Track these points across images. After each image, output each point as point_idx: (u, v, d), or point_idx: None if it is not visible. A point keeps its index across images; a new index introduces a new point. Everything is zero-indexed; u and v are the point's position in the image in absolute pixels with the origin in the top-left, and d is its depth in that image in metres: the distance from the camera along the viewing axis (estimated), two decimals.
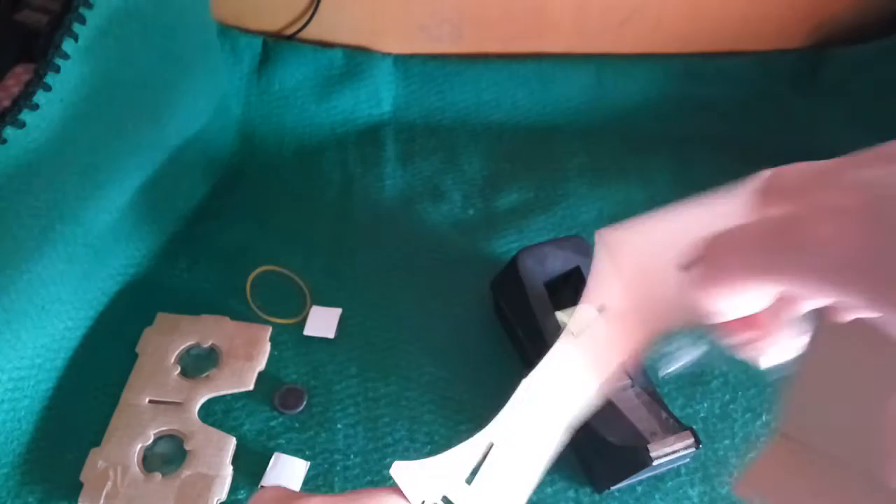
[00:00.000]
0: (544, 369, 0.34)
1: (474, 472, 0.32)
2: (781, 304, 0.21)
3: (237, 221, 0.57)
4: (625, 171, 0.63)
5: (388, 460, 0.45)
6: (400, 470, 0.30)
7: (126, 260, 0.52)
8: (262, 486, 0.43)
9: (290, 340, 0.50)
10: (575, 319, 0.34)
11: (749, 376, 0.50)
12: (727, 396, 0.49)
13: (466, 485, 0.32)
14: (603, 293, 0.34)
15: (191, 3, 0.47)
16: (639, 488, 0.44)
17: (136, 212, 0.51)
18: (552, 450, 0.34)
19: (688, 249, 0.24)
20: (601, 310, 0.35)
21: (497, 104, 0.66)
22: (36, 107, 0.37)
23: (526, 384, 0.33)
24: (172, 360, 0.47)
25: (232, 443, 0.44)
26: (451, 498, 0.31)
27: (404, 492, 0.29)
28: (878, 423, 0.20)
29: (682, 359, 0.35)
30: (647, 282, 0.33)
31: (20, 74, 0.40)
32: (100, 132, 0.42)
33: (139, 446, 0.43)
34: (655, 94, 0.68)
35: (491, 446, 0.33)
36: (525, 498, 0.33)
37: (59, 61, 0.37)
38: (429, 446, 0.45)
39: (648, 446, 0.41)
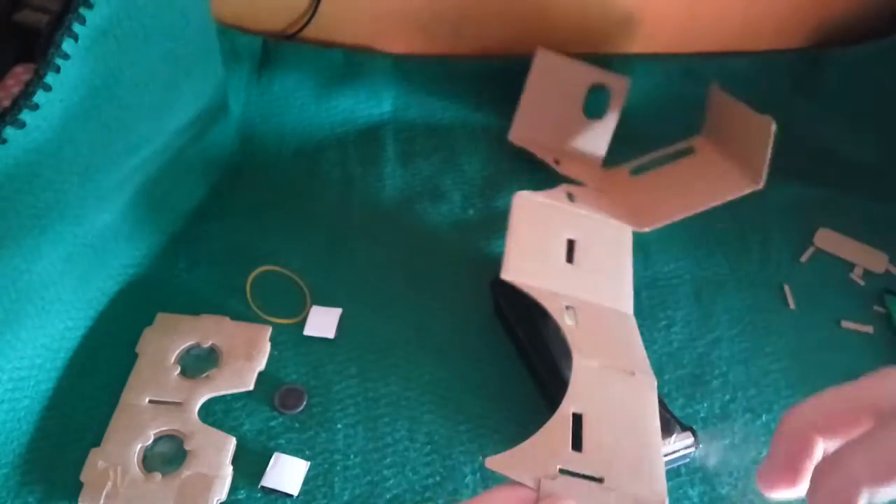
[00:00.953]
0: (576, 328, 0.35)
1: (576, 445, 0.30)
2: None
3: (237, 221, 0.57)
4: None
5: (388, 460, 0.45)
6: (499, 462, 0.28)
7: (126, 260, 0.52)
8: (262, 487, 0.43)
9: (290, 340, 0.50)
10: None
11: (749, 376, 0.50)
12: (727, 396, 0.49)
13: (577, 452, 0.30)
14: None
15: (191, 3, 0.47)
16: None
17: (136, 212, 0.51)
18: (652, 399, 0.33)
19: None
20: (572, 196, 0.45)
21: (497, 104, 0.66)
22: (36, 107, 0.37)
23: (576, 354, 0.32)
24: (172, 361, 0.47)
25: (232, 443, 0.44)
26: (567, 467, 0.29)
27: (516, 478, 0.27)
28: None
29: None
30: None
31: (20, 74, 0.39)
32: (100, 132, 0.42)
33: (139, 446, 0.43)
34: (655, 94, 0.68)
35: (580, 417, 0.31)
36: (660, 467, 0.31)
37: (59, 61, 0.37)
38: (429, 446, 0.45)
39: None
